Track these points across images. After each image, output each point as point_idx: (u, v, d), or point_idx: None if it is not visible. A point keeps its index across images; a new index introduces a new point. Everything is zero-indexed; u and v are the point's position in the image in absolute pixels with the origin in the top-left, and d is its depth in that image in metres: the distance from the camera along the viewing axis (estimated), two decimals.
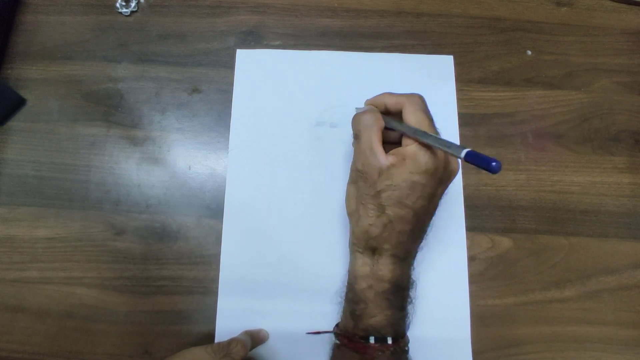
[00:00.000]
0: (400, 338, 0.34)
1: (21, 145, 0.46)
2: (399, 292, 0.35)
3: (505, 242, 0.44)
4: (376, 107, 0.37)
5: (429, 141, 0.32)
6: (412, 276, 0.37)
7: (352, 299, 0.35)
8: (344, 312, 0.37)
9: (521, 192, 0.45)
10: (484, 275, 0.43)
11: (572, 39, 0.50)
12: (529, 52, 0.49)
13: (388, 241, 0.34)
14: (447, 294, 0.42)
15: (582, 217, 0.45)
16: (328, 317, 0.41)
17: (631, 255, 0.44)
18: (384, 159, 0.33)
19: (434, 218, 0.36)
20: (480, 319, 0.42)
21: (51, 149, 0.45)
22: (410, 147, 0.33)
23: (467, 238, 0.43)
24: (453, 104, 0.47)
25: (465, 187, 0.45)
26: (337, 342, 0.36)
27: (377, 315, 0.34)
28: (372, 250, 0.35)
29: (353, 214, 0.36)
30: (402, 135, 0.35)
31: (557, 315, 0.42)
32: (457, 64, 0.48)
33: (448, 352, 0.41)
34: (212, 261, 0.43)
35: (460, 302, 0.42)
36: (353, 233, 0.36)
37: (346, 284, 0.37)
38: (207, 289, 0.42)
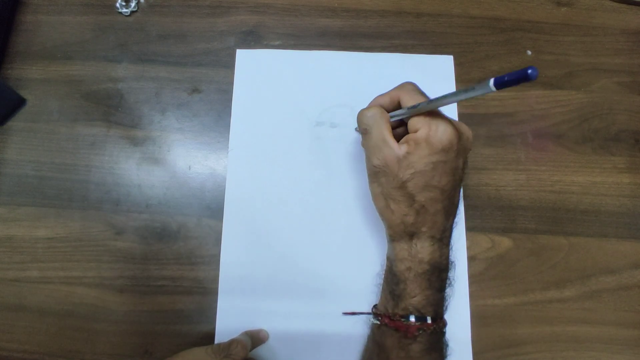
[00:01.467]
0: (440, 319, 0.35)
1: (21, 145, 0.46)
2: (438, 274, 0.35)
3: (505, 242, 0.44)
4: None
5: (450, 100, 0.31)
6: (451, 257, 0.37)
7: (392, 280, 0.36)
8: (383, 292, 0.37)
9: (521, 192, 0.45)
10: (484, 275, 0.43)
11: (572, 39, 0.50)
12: (529, 52, 0.49)
13: (424, 224, 0.34)
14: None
15: (582, 217, 0.45)
16: (328, 317, 0.41)
17: (631, 255, 0.44)
18: (398, 149, 0.34)
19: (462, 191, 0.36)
20: (480, 319, 0.42)
21: (51, 149, 0.45)
22: (420, 132, 0.33)
23: (467, 238, 0.43)
24: (453, 104, 0.47)
25: (465, 187, 0.45)
26: (377, 322, 0.36)
27: (417, 295, 0.34)
28: (410, 235, 0.35)
29: (384, 211, 0.36)
30: (405, 128, 0.35)
31: (557, 315, 0.42)
32: (457, 64, 0.48)
33: (449, 352, 0.41)
34: (212, 261, 0.43)
35: (460, 302, 0.42)
36: (389, 227, 0.36)
37: (385, 268, 0.38)
38: (207, 289, 0.42)
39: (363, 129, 0.36)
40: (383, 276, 0.38)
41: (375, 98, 0.37)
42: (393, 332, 0.34)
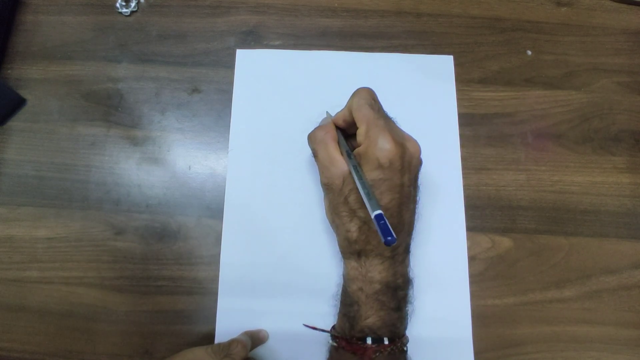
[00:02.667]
0: (398, 338, 0.34)
1: (21, 145, 0.46)
2: (392, 293, 0.34)
3: (505, 242, 0.44)
4: (341, 119, 0.37)
5: (356, 182, 0.32)
6: (408, 274, 0.36)
7: (346, 301, 0.36)
8: (339, 314, 0.37)
9: (521, 192, 0.45)
10: (484, 275, 0.43)
11: (572, 39, 0.50)
12: (529, 52, 0.49)
13: (369, 242, 0.34)
14: (448, 294, 0.42)
15: (582, 217, 0.45)
16: (328, 317, 0.41)
17: (631, 255, 0.44)
18: (344, 165, 0.34)
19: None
20: (480, 319, 0.42)
21: (51, 149, 0.45)
22: (361, 147, 0.33)
23: (467, 238, 0.43)
24: (453, 104, 0.47)
25: (465, 187, 0.45)
26: (334, 344, 0.36)
27: (371, 317, 0.34)
28: (357, 253, 0.35)
29: (332, 225, 0.37)
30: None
31: (557, 315, 0.42)
32: (457, 64, 0.48)
33: (450, 352, 0.41)
34: (212, 261, 0.43)
35: (461, 302, 0.42)
36: (338, 242, 0.37)
37: (341, 287, 0.38)
38: (207, 289, 0.42)
39: (312, 152, 0.37)
40: (340, 296, 0.38)
41: (335, 115, 0.37)
42: (351, 355, 0.33)
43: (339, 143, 0.36)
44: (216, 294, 0.42)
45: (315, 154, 0.37)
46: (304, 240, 0.43)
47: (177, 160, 0.45)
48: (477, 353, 0.41)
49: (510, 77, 0.48)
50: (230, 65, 0.48)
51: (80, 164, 0.45)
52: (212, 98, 0.47)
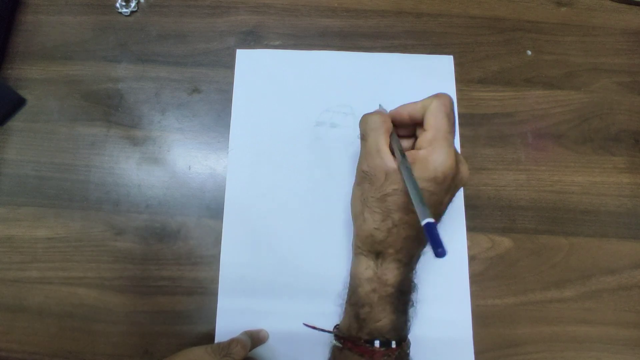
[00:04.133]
0: (403, 342, 0.34)
1: (21, 145, 0.46)
2: (402, 296, 0.34)
3: (505, 242, 0.44)
4: (399, 117, 0.36)
5: (407, 184, 0.31)
6: (414, 280, 0.36)
7: (356, 302, 0.35)
8: (347, 314, 0.36)
9: (521, 192, 0.45)
10: (484, 275, 0.43)
11: (572, 39, 0.50)
12: (529, 52, 0.49)
13: (393, 246, 0.33)
14: (448, 294, 0.42)
15: (582, 217, 0.45)
16: (328, 317, 0.41)
17: (631, 255, 0.44)
18: (390, 161, 0.33)
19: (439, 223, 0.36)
20: (480, 319, 0.42)
21: (51, 149, 0.45)
22: (421, 151, 0.32)
23: (467, 238, 0.43)
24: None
25: (465, 187, 0.45)
26: (339, 344, 0.35)
27: (382, 319, 0.33)
28: (377, 254, 0.34)
29: (358, 216, 0.35)
30: (415, 137, 0.35)
31: (557, 315, 0.42)
32: (457, 64, 0.48)
33: (450, 352, 0.41)
34: (212, 261, 0.43)
35: (461, 302, 0.42)
36: (357, 236, 0.35)
37: (348, 286, 0.37)
38: (207, 289, 0.42)
39: (361, 134, 0.36)
40: (346, 296, 0.37)
41: (403, 105, 0.35)
42: (357, 357, 0.33)
43: (391, 137, 0.34)
44: (216, 294, 0.42)
45: (363, 137, 0.35)
46: (304, 240, 0.43)
47: (177, 160, 0.45)
48: (477, 353, 0.41)
49: (510, 77, 0.48)
50: (230, 65, 0.48)
51: (80, 164, 0.45)
52: (212, 98, 0.47)
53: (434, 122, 0.33)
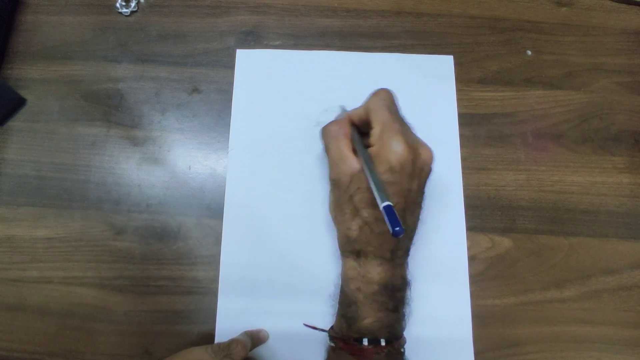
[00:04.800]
0: (395, 340, 0.34)
1: (21, 145, 0.46)
2: (390, 294, 0.34)
3: (505, 242, 0.44)
4: (357, 117, 0.36)
5: (367, 175, 0.32)
6: (407, 276, 0.36)
7: (344, 302, 0.36)
8: (337, 314, 0.37)
9: (521, 192, 0.45)
10: (484, 275, 0.43)
11: (572, 39, 0.50)
12: (529, 52, 0.49)
13: (370, 243, 0.34)
14: (448, 294, 0.42)
15: (582, 217, 0.45)
16: (328, 317, 0.41)
17: (631, 255, 0.44)
18: (354, 162, 0.34)
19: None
20: (480, 319, 0.42)
21: (51, 149, 0.45)
22: (373, 148, 0.33)
23: (467, 238, 0.43)
24: (453, 104, 0.47)
25: (465, 187, 0.45)
26: (332, 344, 0.36)
27: (368, 317, 0.34)
28: (356, 253, 0.35)
29: (334, 221, 0.37)
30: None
31: (557, 315, 0.42)
32: (457, 64, 0.48)
33: (450, 352, 0.41)
34: (212, 261, 0.43)
35: (461, 302, 0.42)
36: (337, 238, 0.37)
37: (339, 287, 0.38)
38: (207, 289, 0.42)
39: (325, 146, 0.37)
40: (337, 295, 0.37)
41: (350, 111, 0.37)
42: (348, 356, 0.33)
43: (352, 139, 0.35)
44: (216, 294, 0.42)
45: (326, 149, 0.36)
46: (304, 240, 0.43)
47: (177, 160, 0.45)
48: (477, 353, 0.41)
49: (510, 77, 0.48)
50: (230, 65, 0.48)
51: (80, 164, 0.45)
52: (212, 98, 0.47)
53: (377, 116, 0.34)
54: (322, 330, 0.39)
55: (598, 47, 0.49)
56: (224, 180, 0.45)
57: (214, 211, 0.44)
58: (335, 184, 0.35)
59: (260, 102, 0.47)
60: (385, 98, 0.35)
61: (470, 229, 0.44)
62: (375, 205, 0.32)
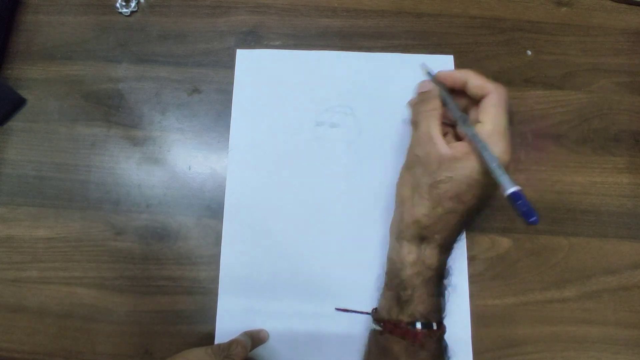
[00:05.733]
0: (441, 325, 0.35)
1: (21, 145, 0.46)
2: (440, 280, 0.35)
3: (505, 242, 0.44)
4: (452, 82, 0.35)
5: (486, 160, 0.31)
6: (449, 264, 0.36)
7: (398, 285, 0.35)
8: (386, 298, 0.36)
9: None
10: (484, 275, 0.43)
11: (572, 39, 0.50)
12: (529, 52, 0.49)
13: (439, 232, 0.34)
14: (448, 294, 0.42)
15: (582, 217, 0.45)
16: (328, 317, 0.41)
17: (631, 255, 0.44)
18: (445, 149, 0.33)
19: None
20: (480, 319, 0.42)
21: (51, 149, 0.45)
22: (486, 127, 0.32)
23: (467, 238, 0.43)
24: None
25: None
26: (378, 327, 0.35)
27: (424, 302, 0.34)
28: (421, 238, 0.34)
29: (405, 202, 0.35)
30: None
31: (557, 315, 0.42)
32: (457, 64, 0.48)
33: (449, 352, 0.41)
34: (212, 261, 0.43)
35: (460, 302, 0.42)
36: (402, 220, 0.35)
37: (386, 270, 0.37)
38: (207, 289, 0.42)
39: (412, 120, 0.36)
40: (385, 279, 0.37)
41: (468, 71, 0.35)
42: (399, 339, 0.33)
43: (447, 110, 0.34)
44: (216, 294, 0.42)
45: (415, 124, 0.35)
46: (304, 240, 0.43)
47: (177, 160, 0.45)
48: (477, 353, 0.41)
49: (510, 77, 0.48)
50: (230, 65, 0.48)
51: (80, 164, 0.45)
52: (212, 98, 0.47)
53: (494, 114, 0.32)
54: (363, 312, 0.38)
55: (598, 47, 0.49)
56: (224, 180, 0.45)
57: (214, 211, 0.44)
58: (419, 161, 0.34)
59: (260, 102, 0.47)
60: (505, 97, 0.33)
61: (470, 229, 0.44)
62: (460, 200, 0.32)
